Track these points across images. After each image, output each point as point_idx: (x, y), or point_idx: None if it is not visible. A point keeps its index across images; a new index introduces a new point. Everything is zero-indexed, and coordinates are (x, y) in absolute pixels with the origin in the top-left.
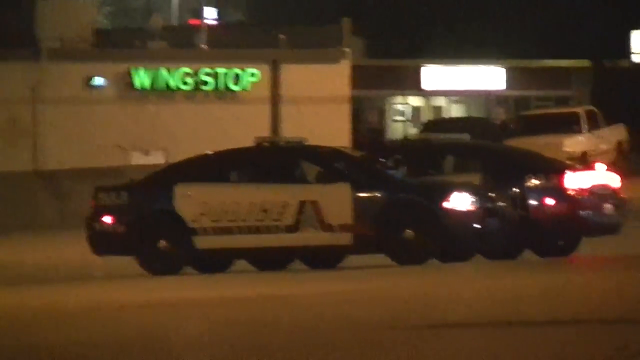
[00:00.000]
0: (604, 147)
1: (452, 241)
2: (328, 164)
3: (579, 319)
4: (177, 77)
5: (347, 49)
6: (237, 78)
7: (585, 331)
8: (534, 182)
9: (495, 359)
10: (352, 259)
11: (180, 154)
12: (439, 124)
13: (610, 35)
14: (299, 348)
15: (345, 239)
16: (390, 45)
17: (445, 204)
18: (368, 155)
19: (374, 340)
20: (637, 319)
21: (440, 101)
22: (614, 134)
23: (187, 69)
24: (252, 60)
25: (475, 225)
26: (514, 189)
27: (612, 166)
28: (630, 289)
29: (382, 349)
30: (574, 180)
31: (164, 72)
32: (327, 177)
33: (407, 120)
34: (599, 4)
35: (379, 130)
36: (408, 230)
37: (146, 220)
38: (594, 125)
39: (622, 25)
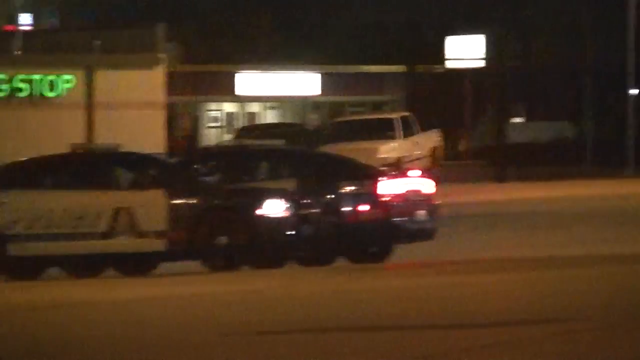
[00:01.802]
0: (418, 153)
1: (266, 247)
2: (142, 170)
3: (384, 325)
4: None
5: (161, 55)
6: (52, 84)
7: (391, 337)
8: (348, 188)
9: None
10: (168, 266)
11: None
12: (254, 130)
13: (426, 41)
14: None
15: (159, 245)
16: (206, 50)
17: (259, 211)
18: (182, 161)
19: (193, 343)
20: (441, 324)
21: (255, 107)
22: (429, 140)
23: (2, 75)
24: (67, 66)
25: (288, 231)
26: (328, 196)
27: (427, 172)
28: (438, 293)
29: (198, 352)
30: (388, 187)
31: None
32: (141, 183)
33: (222, 127)
34: (414, 9)
35: (194, 137)
36: (221, 237)
37: None
38: (408, 131)
39: (437, 31)
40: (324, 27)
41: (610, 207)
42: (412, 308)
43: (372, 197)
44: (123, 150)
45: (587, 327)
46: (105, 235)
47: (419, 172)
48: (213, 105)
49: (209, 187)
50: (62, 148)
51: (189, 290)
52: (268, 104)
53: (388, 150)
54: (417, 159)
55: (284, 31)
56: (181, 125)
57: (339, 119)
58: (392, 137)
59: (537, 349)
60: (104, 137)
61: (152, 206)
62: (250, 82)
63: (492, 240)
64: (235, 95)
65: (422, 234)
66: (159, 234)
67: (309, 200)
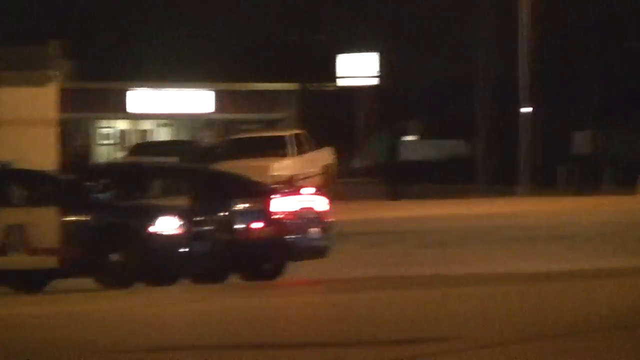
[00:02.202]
0: (311, 170)
1: (159, 264)
2: (35, 187)
3: (272, 342)
4: None
5: (53, 72)
6: None
7: (275, 355)
8: (241, 205)
9: None
10: (62, 282)
11: None
12: (147, 147)
13: (318, 59)
14: None
15: (52, 262)
16: (100, 67)
17: (152, 228)
18: (75, 178)
19: None
20: (319, 342)
21: (148, 124)
22: (322, 158)
23: None
24: None
25: (181, 248)
26: (222, 213)
27: (321, 189)
28: (328, 311)
29: None
30: (280, 204)
31: None
32: (34, 200)
33: (114, 144)
34: (307, 27)
35: (86, 154)
36: (115, 254)
37: None
38: (301, 148)
39: (329, 49)
40: (217, 44)
41: (498, 226)
42: (295, 326)
43: (265, 215)
44: (16, 167)
45: (461, 347)
46: None
47: (312, 190)
48: (105, 123)
49: (101, 203)
50: None
51: (81, 308)
52: (161, 122)
53: (280, 167)
54: (310, 176)
55: (177, 48)
56: (74, 142)
57: (233, 137)
58: (285, 155)
59: None
60: None
61: (45, 223)
62: (143, 99)
63: (390, 256)
64: (128, 113)
65: (315, 251)
66: (51, 251)
67: (202, 217)
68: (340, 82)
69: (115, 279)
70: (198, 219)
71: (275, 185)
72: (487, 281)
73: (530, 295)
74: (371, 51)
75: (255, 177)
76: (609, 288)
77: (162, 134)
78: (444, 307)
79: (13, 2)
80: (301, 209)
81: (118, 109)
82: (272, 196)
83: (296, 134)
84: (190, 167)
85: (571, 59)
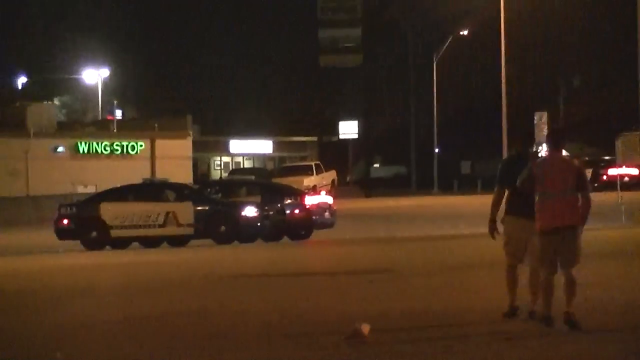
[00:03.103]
0: (324, 182)
1: (246, 232)
2: (180, 191)
3: (304, 272)
4: (104, 145)
5: (189, 131)
6: (133, 147)
7: (306, 278)
8: (288, 201)
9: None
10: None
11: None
12: (238, 171)
13: (328, 122)
14: None
15: (189, 231)
16: (213, 127)
17: (242, 213)
18: (200, 187)
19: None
20: (336, 271)
21: (239, 158)
22: (330, 176)
23: (106, 142)
24: (139, 137)
25: (257, 223)
26: (278, 205)
27: (329, 192)
28: (335, 256)
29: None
30: (309, 200)
31: (94, 143)
32: (179, 198)
33: (221, 169)
34: (322, 104)
35: (207, 175)
36: (222, 226)
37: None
38: (319, 171)
39: (335, 116)
40: (276, 111)
41: (423, 210)
42: (317, 262)
43: (301, 205)
44: (170, 181)
45: (405, 273)
46: (161, 226)
47: (325, 192)
48: (217, 158)
49: (214, 200)
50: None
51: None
52: (246, 157)
53: (309, 181)
54: (324, 186)
55: (254, 115)
56: (200, 168)
57: (284, 165)
58: (311, 175)
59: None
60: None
61: (185, 210)
62: (237, 145)
63: (366, 227)
64: (229, 152)
65: (328, 224)
66: (189, 225)
67: (267, 207)
68: (341, 136)
69: (223, 240)
70: (265, 208)
71: (306, 190)
72: (417, 239)
73: (438, 246)
74: (354, 120)
75: (296, 186)
76: (470, 243)
77: (247, 164)
78: (396, 252)
79: (167, 87)
80: (320, 202)
81: (223, 150)
82: (304, 196)
83: (316, 164)
84: (261, 181)
85: (463, 119)
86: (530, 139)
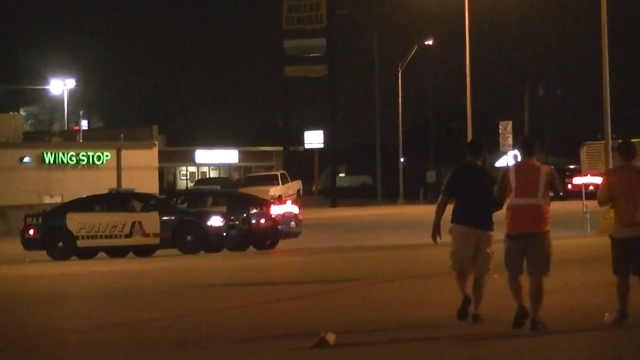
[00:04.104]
0: (290, 192)
1: (212, 242)
2: (146, 201)
3: (271, 281)
4: (70, 156)
5: (155, 141)
6: (99, 157)
7: (273, 288)
8: (254, 210)
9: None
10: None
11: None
12: (204, 181)
13: (294, 132)
14: None
15: (155, 240)
16: (178, 138)
17: (208, 223)
18: (166, 197)
19: None
20: (302, 280)
21: (205, 168)
22: (295, 185)
23: (72, 152)
24: (105, 147)
25: (223, 233)
26: (244, 214)
27: (295, 202)
28: (300, 265)
29: None
30: (275, 209)
31: (60, 153)
32: (146, 208)
33: (187, 179)
34: (282, 110)
35: (173, 184)
36: (188, 236)
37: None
38: (284, 180)
39: (301, 125)
40: (240, 121)
41: (387, 219)
42: (283, 273)
43: (267, 215)
44: (136, 191)
45: (369, 282)
46: (127, 236)
47: (290, 202)
48: (182, 168)
49: (180, 210)
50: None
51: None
52: (212, 167)
53: (274, 191)
54: (289, 195)
55: (219, 126)
56: (166, 178)
57: (249, 175)
58: (276, 184)
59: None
60: (124, 184)
61: (152, 220)
62: (202, 155)
63: (331, 237)
64: (195, 163)
65: (293, 234)
66: (155, 235)
67: (233, 217)
68: (306, 146)
69: (189, 250)
70: (231, 218)
71: (272, 200)
72: (381, 248)
73: (402, 255)
74: (320, 129)
75: (261, 196)
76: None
77: (212, 174)
78: (360, 262)
79: (133, 97)
80: (285, 212)
81: (189, 160)
82: (270, 205)
83: (282, 173)
84: (227, 190)
85: (426, 133)
86: (477, 150)
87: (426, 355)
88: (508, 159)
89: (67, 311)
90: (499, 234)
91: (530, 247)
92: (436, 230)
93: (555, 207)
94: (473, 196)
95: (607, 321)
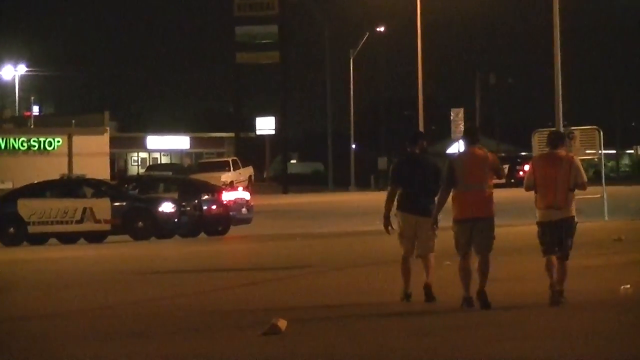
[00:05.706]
0: (241, 178)
1: (163, 228)
2: (97, 187)
3: (222, 268)
4: (22, 142)
5: (107, 127)
6: (50, 143)
7: (224, 274)
8: (206, 196)
9: None
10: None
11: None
12: (155, 167)
13: (246, 118)
14: None
15: (106, 227)
16: (130, 124)
17: (159, 209)
18: (118, 183)
19: None
20: (252, 268)
21: (156, 154)
22: (247, 172)
23: (23, 138)
24: (57, 133)
25: (174, 219)
26: (195, 201)
27: (246, 188)
28: (251, 251)
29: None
30: (226, 196)
31: (11, 139)
32: (97, 194)
33: (138, 165)
34: (238, 99)
35: (124, 171)
36: (139, 222)
37: None
38: (236, 167)
39: (252, 112)
40: (192, 107)
41: (338, 207)
42: (233, 259)
43: (218, 201)
44: (87, 177)
45: (320, 270)
46: (78, 222)
47: (242, 188)
48: (134, 154)
49: (132, 196)
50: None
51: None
52: (163, 153)
53: (226, 177)
54: (241, 181)
55: (171, 112)
56: (118, 164)
57: (200, 161)
58: (228, 170)
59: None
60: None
61: (103, 206)
62: (154, 141)
63: (282, 223)
64: (146, 149)
65: (244, 220)
66: (106, 221)
67: (185, 203)
68: (258, 132)
69: (140, 236)
70: (183, 204)
71: (223, 186)
72: (332, 235)
73: (352, 242)
74: (271, 115)
75: (213, 182)
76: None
77: (164, 160)
78: (311, 249)
79: (85, 83)
80: (236, 198)
81: (141, 146)
82: (222, 191)
83: (233, 159)
84: (178, 177)
85: (378, 120)
86: (415, 140)
87: (377, 341)
88: (459, 146)
89: (19, 299)
90: (446, 221)
91: (476, 230)
92: (386, 221)
93: (507, 194)
94: (413, 184)
95: (622, 293)
